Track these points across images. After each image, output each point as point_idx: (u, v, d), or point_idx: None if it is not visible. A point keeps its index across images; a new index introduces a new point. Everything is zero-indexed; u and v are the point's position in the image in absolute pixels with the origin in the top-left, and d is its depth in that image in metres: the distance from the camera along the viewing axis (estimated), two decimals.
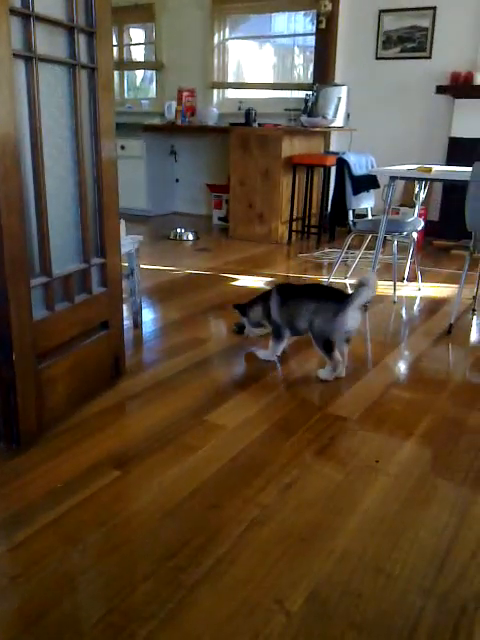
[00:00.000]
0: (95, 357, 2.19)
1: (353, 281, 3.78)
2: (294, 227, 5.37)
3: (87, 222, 2.02)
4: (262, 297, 2.64)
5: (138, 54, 7.02)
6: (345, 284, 3.89)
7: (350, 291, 2.38)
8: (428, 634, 1.24)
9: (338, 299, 2.36)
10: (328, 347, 2.37)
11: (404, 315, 3.39)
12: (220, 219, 6.14)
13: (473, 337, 3.04)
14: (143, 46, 6.94)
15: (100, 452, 1.87)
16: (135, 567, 1.41)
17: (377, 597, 1.33)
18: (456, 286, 3.13)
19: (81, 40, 1.91)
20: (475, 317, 3.32)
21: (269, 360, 2.63)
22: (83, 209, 2.00)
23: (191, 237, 5.37)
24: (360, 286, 2.31)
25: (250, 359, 2.66)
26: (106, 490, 1.69)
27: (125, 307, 2.86)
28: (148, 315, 3.24)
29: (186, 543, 1.48)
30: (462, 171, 3.21)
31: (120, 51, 6.96)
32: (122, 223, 2.53)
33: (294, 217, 5.34)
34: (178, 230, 5.39)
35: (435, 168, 3.49)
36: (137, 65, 7.06)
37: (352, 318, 2.34)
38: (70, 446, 1.90)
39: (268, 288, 2.69)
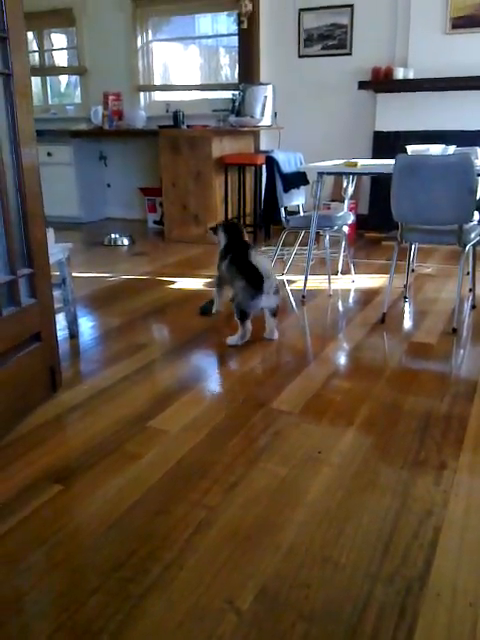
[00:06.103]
0: (28, 371, 2.13)
1: (289, 277, 3.88)
2: None
3: (11, 232, 1.96)
4: (231, 243, 2.99)
5: (61, 59, 6.87)
6: (283, 280, 3.94)
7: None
8: (376, 617, 1.26)
9: (257, 285, 2.68)
10: (243, 316, 2.76)
11: (340, 307, 3.45)
12: (155, 222, 6.09)
13: (405, 324, 3.13)
14: (66, 51, 6.80)
15: (39, 468, 1.82)
16: (81, 582, 1.38)
17: (325, 586, 1.35)
18: (388, 276, 3.21)
19: None
20: (406, 304, 3.42)
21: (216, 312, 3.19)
22: (6, 218, 1.94)
23: (126, 242, 5.30)
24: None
25: (191, 361, 2.65)
26: (47, 506, 1.64)
27: (60, 317, 2.80)
28: (85, 324, 3.18)
29: (133, 553, 1.46)
30: (386, 164, 3.29)
31: (41, 56, 6.79)
32: (50, 231, 2.47)
33: (229, 217, 5.35)
34: (112, 236, 5.31)
35: (361, 162, 3.57)
36: (60, 70, 6.90)
37: (266, 300, 2.73)
38: (6, 465, 1.84)
39: (246, 242, 3.00)
